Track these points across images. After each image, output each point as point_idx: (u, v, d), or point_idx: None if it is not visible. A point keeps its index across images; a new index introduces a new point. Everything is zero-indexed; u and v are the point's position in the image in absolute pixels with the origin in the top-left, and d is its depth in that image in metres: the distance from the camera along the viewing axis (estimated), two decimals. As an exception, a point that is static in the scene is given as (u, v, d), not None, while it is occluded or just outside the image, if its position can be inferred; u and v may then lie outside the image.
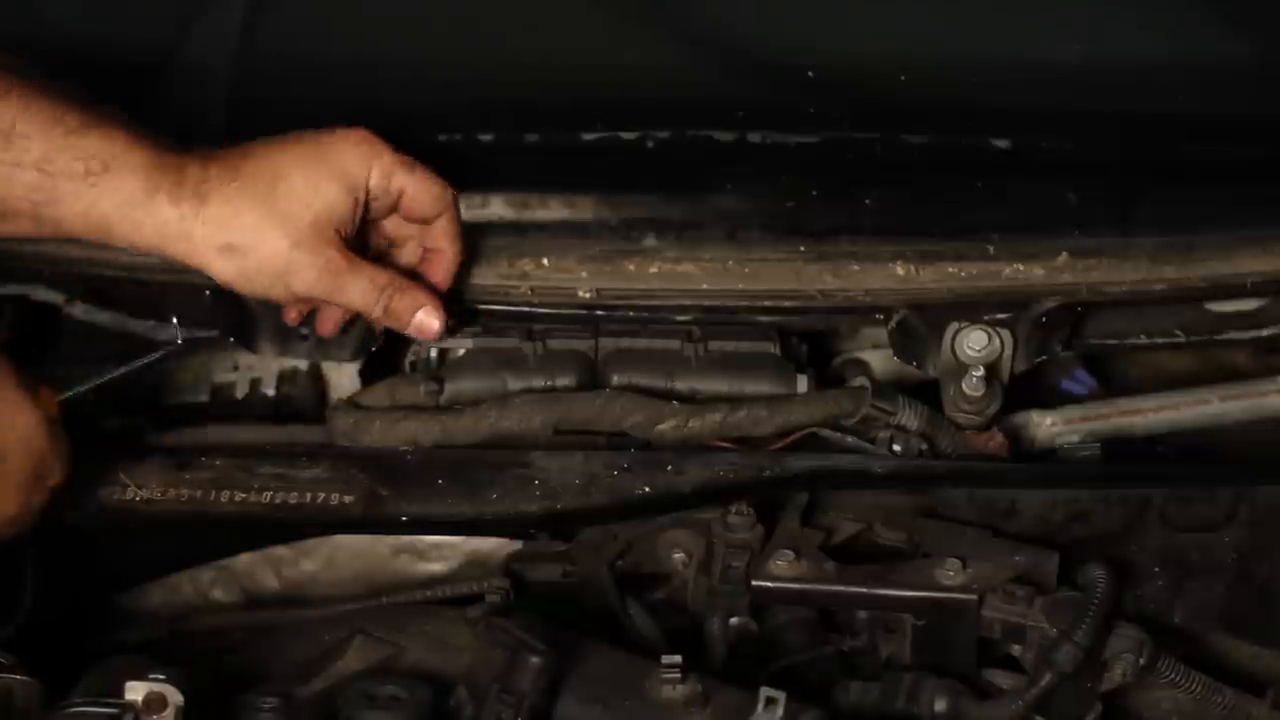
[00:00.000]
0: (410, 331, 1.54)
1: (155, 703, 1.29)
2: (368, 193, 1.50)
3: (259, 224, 1.45)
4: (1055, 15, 1.73)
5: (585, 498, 1.54)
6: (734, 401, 1.57)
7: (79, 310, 1.71)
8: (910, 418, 1.60)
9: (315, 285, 1.48)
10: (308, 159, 1.48)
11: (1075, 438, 1.69)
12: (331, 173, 1.48)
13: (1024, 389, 1.67)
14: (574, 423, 1.57)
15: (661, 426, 1.55)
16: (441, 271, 1.57)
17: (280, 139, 1.49)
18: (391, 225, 1.57)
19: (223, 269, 1.46)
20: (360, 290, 1.49)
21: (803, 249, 1.62)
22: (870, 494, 1.57)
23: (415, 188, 1.52)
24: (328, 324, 1.60)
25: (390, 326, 1.54)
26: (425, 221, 1.55)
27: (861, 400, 1.59)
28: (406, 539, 1.62)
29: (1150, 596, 1.57)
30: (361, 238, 1.53)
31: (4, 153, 1.41)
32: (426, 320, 1.53)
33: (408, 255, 1.58)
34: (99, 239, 1.47)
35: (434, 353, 1.70)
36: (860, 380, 1.64)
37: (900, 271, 1.62)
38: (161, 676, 1.30)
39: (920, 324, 1.63)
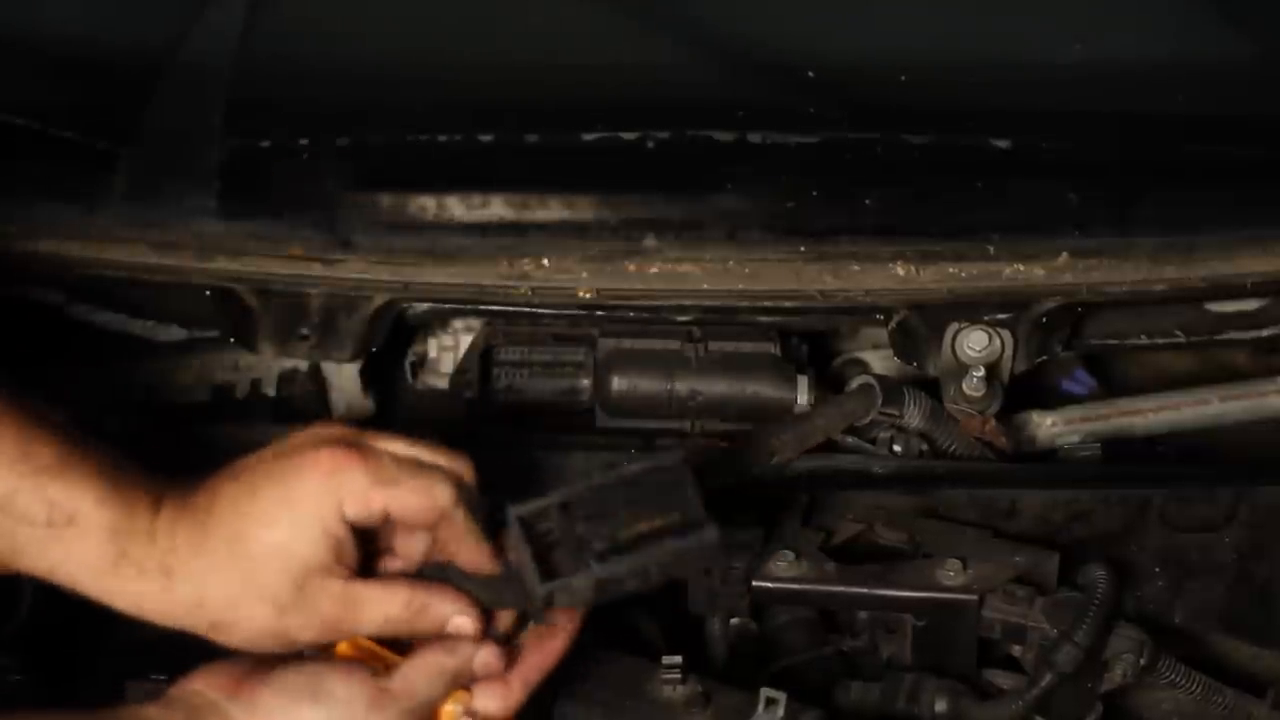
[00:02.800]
0: (448, 635, 1.34)
1: (156, 703, 1.29)
2: (347, 525, 1.30)
3: (236, 600, 1.28)
4: (1055, 15, 1.73)
5: (585, 497, 1.54)
6: (758, 435, 1.55)
7: (79, 310, 1.71)
8: (915, 414, 1.60)
9: (323, 636, 1.32)
10: (274, 508, 1.29)
11: (1075, 438, 1.69)
12: (297, 528, 1.28)
13: (1024, 389, 1.67)
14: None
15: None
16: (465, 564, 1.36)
17: (248, 478, 1.31)
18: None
19: (224, 641, 1.31)
20: (379, 619, 1.32)
21: (803, 249, 1.62)
22: (871, 494, 1.57)
23: (401, 503, 1.31)
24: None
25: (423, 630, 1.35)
26: (429, 528, 1.34)
27: (871, 402, 1.59)
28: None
29: (1150, 597, 1.57)
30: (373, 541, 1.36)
31: None
32: (461, 624, 1.33)
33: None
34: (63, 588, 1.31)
35: (434, 353, 1.70)
36: (866, 379, 1.64)
37: (900, 272, 1.62)
38: (162, 677, 1.30)
39: (920, 324, 1.63)
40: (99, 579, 1.28)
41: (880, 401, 1.59)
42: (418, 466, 1.32)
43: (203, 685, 1.28)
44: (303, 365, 1.70)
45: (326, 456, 1.30)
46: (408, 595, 1.32)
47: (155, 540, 1.28)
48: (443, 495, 1.31)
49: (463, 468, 1.34)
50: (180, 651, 1.33)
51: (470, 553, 1.33)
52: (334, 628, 1.31)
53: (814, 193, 1.66)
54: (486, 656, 1.32)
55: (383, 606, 1.31)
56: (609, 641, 1.44)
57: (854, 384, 1.64)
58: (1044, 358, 1.65)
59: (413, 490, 1.30)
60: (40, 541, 1.27)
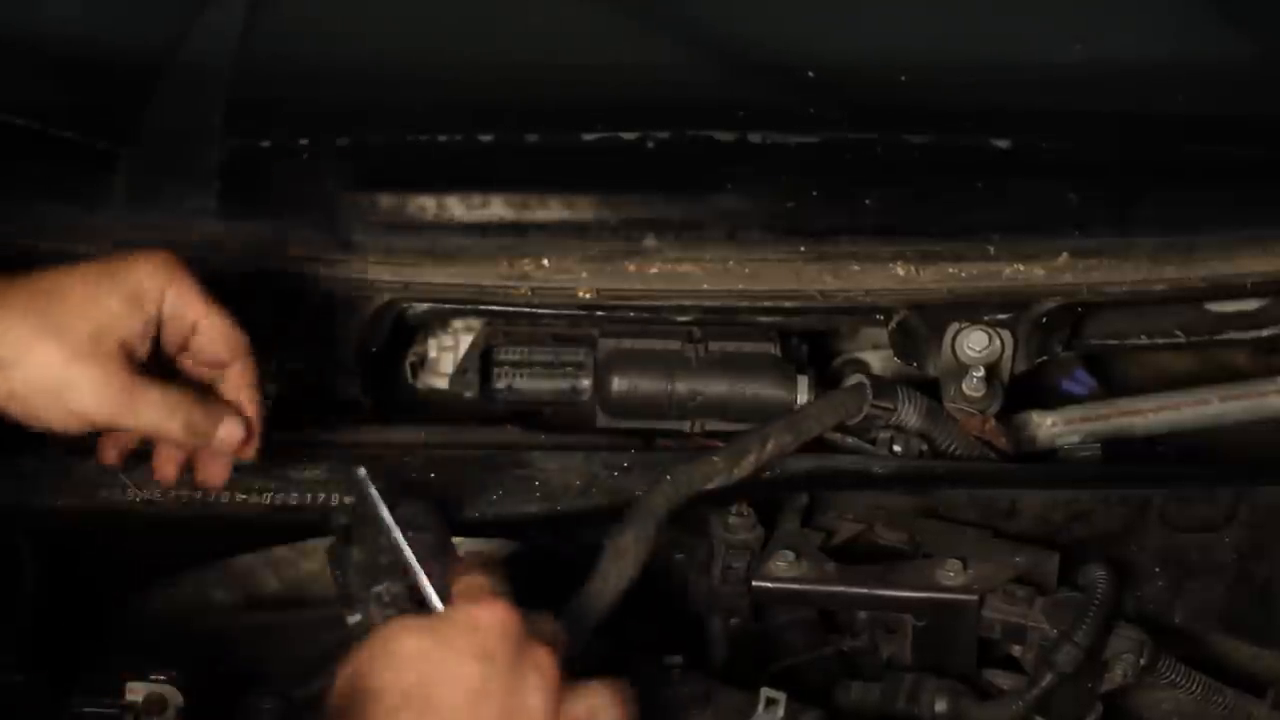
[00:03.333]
0: (216, 447, 1.41)
1: (155, 703, 1.30)
2: (160, 314, 1.35)
3: (28, 337, 1.29)
4: (1055, 15, 1.73)
5: (585, 498, 1.54)
6: (760, 438, 1.55)
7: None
8: (910, 412, 1.60)
9: (97, 405, 1.32)
10: (94, 276, 1.34)
11: (1075, 438, 1.69)
12: (117, 287, 1.34)
13: (1024, 389, 1.67)
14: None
15: (710, 486, 1.52)
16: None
17: (75, 263, 1.36)
18: (186, 369, 1.43)
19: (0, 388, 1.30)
20: (153, 408, 1.34)
21: (803, 249, 1.62)
22: (870, 494, 1.57)
23: (209, 323, 1.38)
24: (110, 454, 1.46)
25: (195, 444, 1.42)
26: (218, 366, 1.41)
27: (862, 399, 1.59)
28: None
29: (1150, 597, 1.57)
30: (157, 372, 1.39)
31: None
32: (232, 430, 1.40)
33: None
34: None
35: (434, 353, 1.70)
36: (858, 378, 1.64)
37: (900, 272, 1.62)
38: (161, 677, 1.30)
39: (920, 324, 1.63)
40: None
41: (871, 397, 1.59)
42: None
43: None
44: (302, 366, 1.70)
45: (162, 254, 1.36)
46: (191, 391, 1.37)
47: None
48: (243, 337, 1.39)
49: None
50: (180, 652, 1.34)
51: (254, 409, 1.41)
52: (113, 402, 1.32)
53: (814, 193, 1.66)
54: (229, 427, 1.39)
55: (166, 393, 1.35)
56: (609, 642, 1.44)
57: (847, 383, 1.64)
58: (1044, 358, 1.65)
59: (223, 318, 1.38)
60: None
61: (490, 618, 1.19)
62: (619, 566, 1.38)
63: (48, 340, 1.29)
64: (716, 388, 1.63)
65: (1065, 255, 1.62)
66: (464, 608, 1.22)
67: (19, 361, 1.29)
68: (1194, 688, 1.49)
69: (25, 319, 1.29)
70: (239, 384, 1.41)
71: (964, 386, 1.60)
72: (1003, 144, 1.69)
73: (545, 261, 1.62)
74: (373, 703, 1.16)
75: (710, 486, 1.48)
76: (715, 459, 1.49)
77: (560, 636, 1.23)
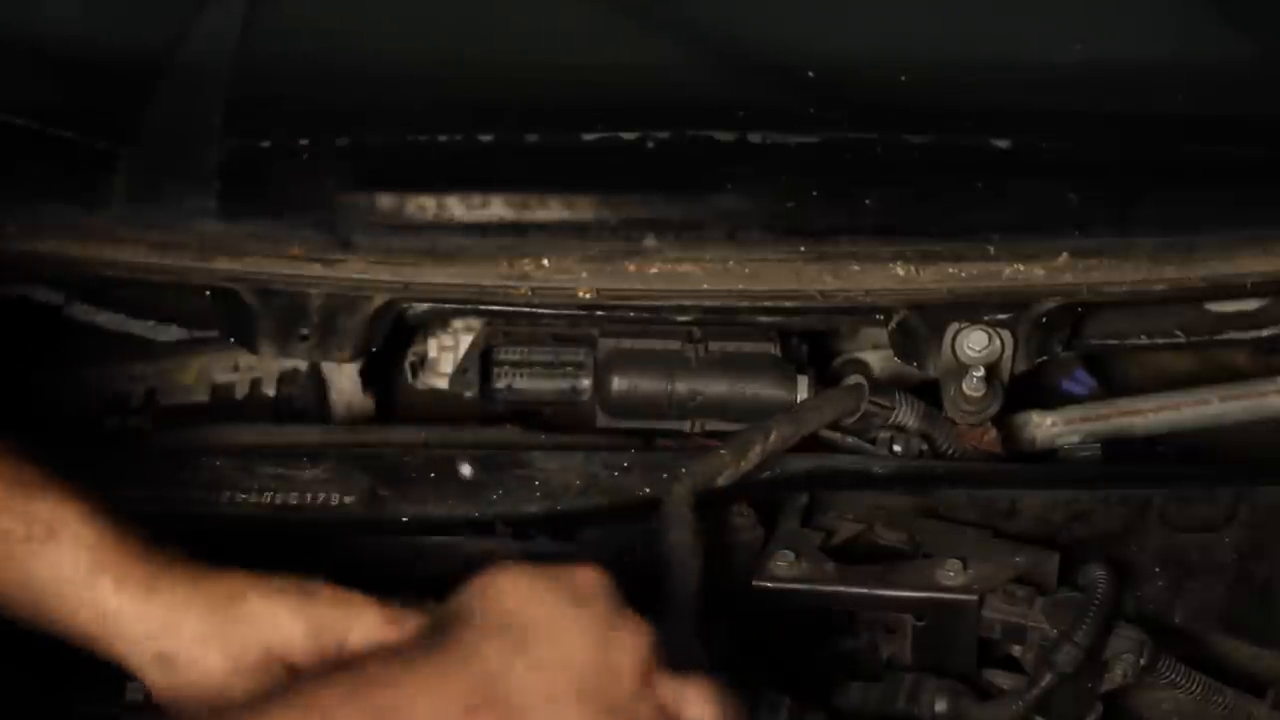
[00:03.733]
0: None
1: (155, 703, 1.29)
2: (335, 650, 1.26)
3: (204, 639, 1.23)
4: (1055, 15, 1.73)
5: (585, 498, 1.54)
6: (764, 430, 1.54)
7: (79, 310, 1.71)
8: (908, 414, 1.60)
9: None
10: (277, 591, 1.26)
11: (1075, 438, 1.69)
12: (297, 611, 1.25)
13: (1024, 389, 1.67)
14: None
15: (721, 480, 1.52)
16: None
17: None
18: None
19: (154, 679, 1.24)
20: None
21: (803, 249, 1.62)
22: (870, 494, 1.57)
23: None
24: None
25: None
26: None
27: (861, 396, 1.59)
28: (406, 539, 1.61)
29: (1150, 597, 1.56)
30: None
31: None
32: None
33: None
34: (29, 616, 1.25)
35: (434, 353, 1.70)
36: (856, 378, 1.64)
37: (900, 272, 1.62)
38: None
39: (920, 324, 1.62)
40: (70, 589, 1.23)
41: (868, 393, 1.59)
42: None
43: None
44: (303, 365, 1.70)
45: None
46: None
47: (141, 561, 1.24)
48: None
49: None
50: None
51: None
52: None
53: (814, 193, 1.66)
54: None
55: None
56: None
57: (846, 383, 1.65)
58: (1044, 358, 1.65)
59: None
60: (12, 556, 1.23)
61: (593, 574, 1.19)
62: (681, 566, 1.38)
63: (217, 652, 1.22)
64: (716, 388, 1.63)
65: (1065, 255, 1.61)
66: (568, 567, 1.20)
67: (186, 665, 1.23)
68: (1194, 688, 1.48)
69: (207, 618, 1.23)
70: None
71: (964, 386, 1.60)
72: (1003, 144, 1.69)
73: (545, 261, 1.62)
74: (465, 626, 1.15)
75: (721, 481, 1.49)
76: (723, 453, 1.50)
77: (654, 632, 1.20)
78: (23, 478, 1.25)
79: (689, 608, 1.37)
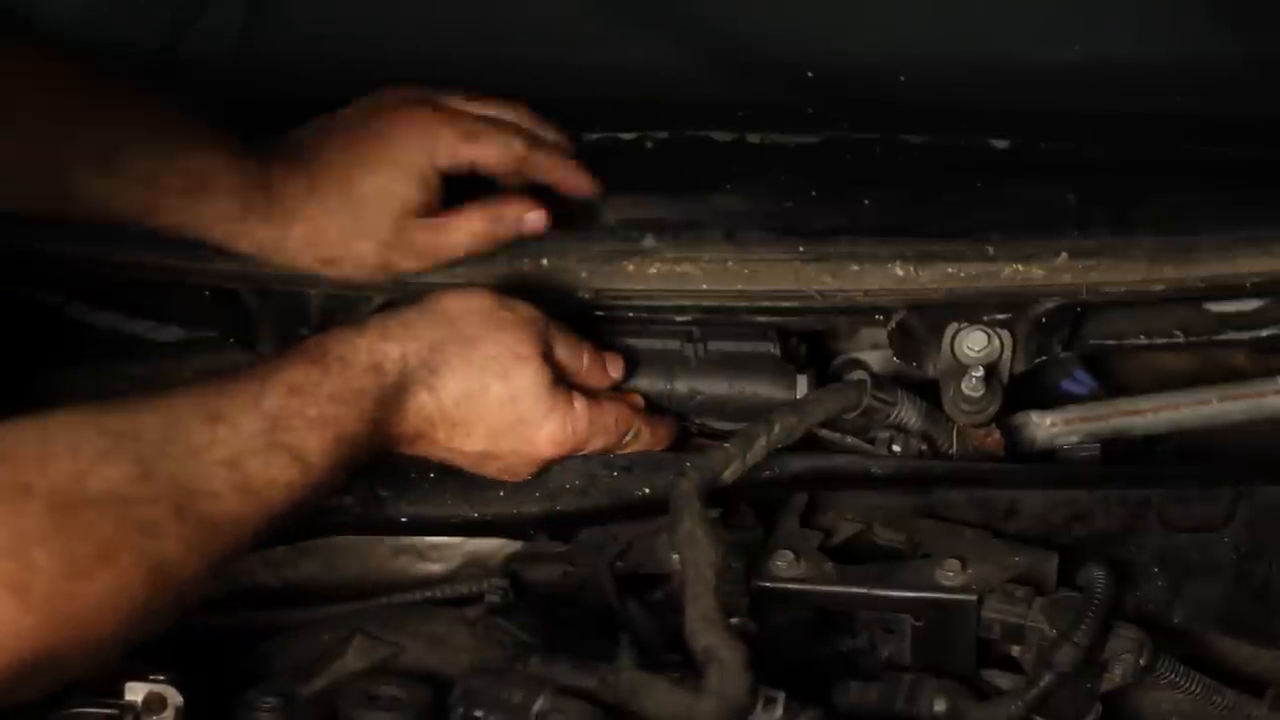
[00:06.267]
0: (527, 232, 1.59)
1: (155, 703, 1.30)
2: (440, 172, 1.55)
3: (344, 237, 1.54)
4: (1055, 15, 1.73)
5: (585, 498, 1.54)
6: (768, 423, 1.55)
7: (79, 310, 1.71)
8: (909, 411, 1.60)
9: (421, 264, 1.57)
10: (374, 160, 1.54)
11: (1075, 438, 1.69)
12: (398, 172, 1.54)
13: (1024, 389, 1.67)
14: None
15: (727, 473, 1.52)
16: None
17: (344, 134, 1.56)
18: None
19: (329, 275, 1.57)
20: (465, 239, 1.57)
21: (802, 249, 1.62)
22: (869, 494, 1.57)
23: (484, 156, 1.56)
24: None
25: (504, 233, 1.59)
26: (512, 175, 1.59)
27: (863, 390, 1.59)
28: (406, 539, 1.61)
29: (1150, 596, 1.57)
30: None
31: (115, 171, 1.46)
32: (534, 218, 1.58)
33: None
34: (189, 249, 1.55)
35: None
36: (859, 374, 1.64)
37: (899, 272, 1.62)
38: (161, 677, 1.30)
39: (920, 324, 1.62)
40: (228, 226, 1.51)
41: (870, 389, 1.58)
42: (494, 122, 1.58)
43: (400, 352, 1.39)
44: (303, 365, 1.70)
45: (420, 118, 1.55)
46: (482, 210, 1.56)
47: (273, 190, 1.51)
48: (518, 146, 1.57)
49: (525, 116, 1.61)
50: (180, 652, 1.34)
51: (563, 179, 1.61)
52: (430, 254, 1.56)
53: (813, 193, 1.66)
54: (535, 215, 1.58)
55: (467, 226, 1.56)
56: (609, 641, 1.44)
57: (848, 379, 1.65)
58: (1044, 358, 1.65)
59: (494, 143, 1.56)
60: (176, 206, 1.49)
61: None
62: (698, 558, 1.39)
63: (360, 238, 1.55)
64: (716, 387, 1.63)
65: (1064, 255, 1.61)
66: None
67: (345, 259, 1.56)
68: (1193, 688, 1.48)
69: (340, 220, 1.54)
70: (541, 173, 1.60)
71: (964, 387, 1.60)
72: (1002, 144, 1.69)
73: (545, 261, 1.62)
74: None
75: (727, 475, 1.48)
76: (728, 446, 1.50)
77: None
78: (177, 136, 1.48)
79: (712, 598, 1.37)
